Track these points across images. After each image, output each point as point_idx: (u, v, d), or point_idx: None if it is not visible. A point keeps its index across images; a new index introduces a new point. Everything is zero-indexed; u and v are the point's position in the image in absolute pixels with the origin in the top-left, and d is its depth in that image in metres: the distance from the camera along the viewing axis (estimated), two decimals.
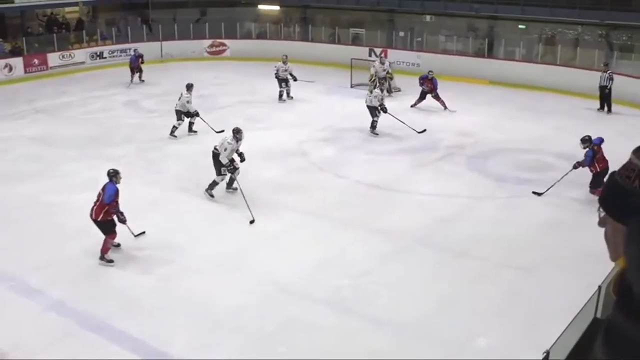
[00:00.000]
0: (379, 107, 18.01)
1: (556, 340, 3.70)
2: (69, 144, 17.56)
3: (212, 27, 31.22)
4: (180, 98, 18.09)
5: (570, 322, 3.68)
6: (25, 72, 26.65)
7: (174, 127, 18.07)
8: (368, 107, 18.18)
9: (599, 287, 3.24)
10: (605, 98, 20.69)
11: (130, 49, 29.53)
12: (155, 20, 31.76)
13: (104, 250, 10.83)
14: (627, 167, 1.35)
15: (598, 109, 20.84)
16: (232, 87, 22.57)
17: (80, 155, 16.59)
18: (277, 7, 32.50)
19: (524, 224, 12.27)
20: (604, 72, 20.67)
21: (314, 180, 14.62)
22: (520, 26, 27.27)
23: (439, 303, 9.51)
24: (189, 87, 18.16)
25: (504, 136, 17.87)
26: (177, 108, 18.12)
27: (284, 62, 22.04)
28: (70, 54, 28.30)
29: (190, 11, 32.94)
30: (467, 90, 23.30)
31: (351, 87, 24.12)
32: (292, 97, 22.26)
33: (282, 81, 22.10)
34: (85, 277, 10.40)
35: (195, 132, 18.29)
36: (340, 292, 9.79)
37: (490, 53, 26.62)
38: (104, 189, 10.85)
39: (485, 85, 24.47)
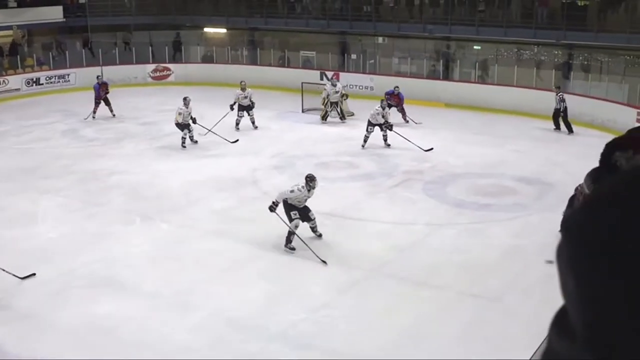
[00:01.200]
0: (385, 125, 18.98)
1: None
2: (2, 175, 17.23)
3: (156, 50, 31.15)
4: (180, 113, 19.10)
5: (537, 350, 3.74)
6: None
7: (183, 138, 19.41)
8: (370, 123, 19.07)
9: None
10: (562, 120, 21.21)
11: (68, 75, 29.33)
12: (95, 44, 31.50)
13: None
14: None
15: (554, 129, 21.41)
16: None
17: (15, 188, 16.28)
18: (223, 30, 32.54)
19: (485, 251, 12.40)
20: (556, 94, 21.24)
21: (265, 209, 14.53)
22: (475, 47, 27.80)
23: (400, 335, 9.52)
24: (188, 100, 19.32)
25: (462, 160, 18.10)
26: (180, 121, 19.22)
27: (243, 89, 21.63)
28: (3, 81, 27.85)
29: (132, 34, 32.76)
30: (423, 114, 23.51)
31: (302, 112, 24.22)
32: (256, 127, 21.80)
33: (243, 109, 21.66)
34: (22, 317, 10.14)
35: (197, 141, 19.79)
36: (296, 327, 9.74)
37: (445, 75, 27.03)
38: None
39: (441, 109, 24.78)
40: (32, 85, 28.66)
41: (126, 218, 14.24)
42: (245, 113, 21.69)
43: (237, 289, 10.99)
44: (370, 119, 19.13)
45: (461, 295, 10.69)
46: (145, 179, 16.83)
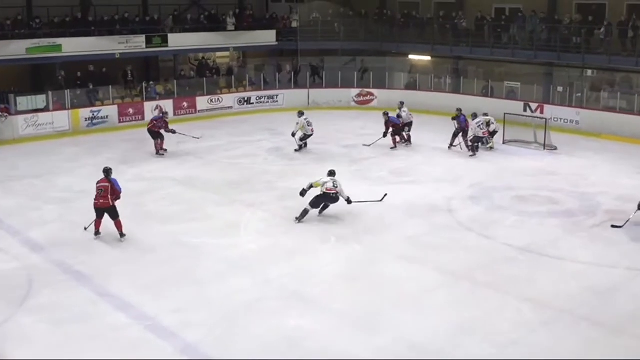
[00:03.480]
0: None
1: None
2: (212, 187, 18.27)
3: (360, 76, 31.83)
4: (298, 124, 22.03)
5: None
6: (175, 114, 28.03)
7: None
8: None
9: None
10: None
11: (276, 96, 30.66)
12: (303, 67, 32.59)
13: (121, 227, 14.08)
14: None
15: None
16: (377, 138, 22.74)
17: (222, 199, 17.21)
18: (428, 58, 32.60)
19: None
20: None
21: (458, 239, 14.37)
22: None
23: None
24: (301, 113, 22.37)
25: None
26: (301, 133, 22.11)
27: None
28: (218, 98, 29.67)
29: (339, 59, 33.55)
30: (632, 152, 22.34)
31: (503, 143, 23.65)
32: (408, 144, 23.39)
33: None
34: (220, 322, 10.64)
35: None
36: None
37: None
38: (108, 181, 13.87)
39: None
40: (243, 104, 30.31)
41: (322, 236, 14.56)
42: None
43: (424, 315, 10.89)
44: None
45: None
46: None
